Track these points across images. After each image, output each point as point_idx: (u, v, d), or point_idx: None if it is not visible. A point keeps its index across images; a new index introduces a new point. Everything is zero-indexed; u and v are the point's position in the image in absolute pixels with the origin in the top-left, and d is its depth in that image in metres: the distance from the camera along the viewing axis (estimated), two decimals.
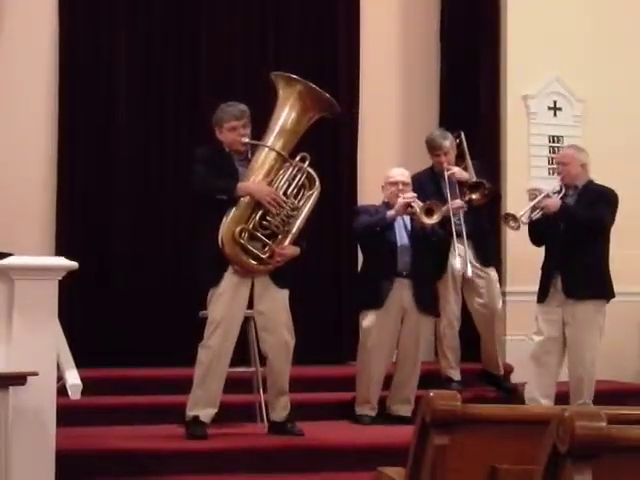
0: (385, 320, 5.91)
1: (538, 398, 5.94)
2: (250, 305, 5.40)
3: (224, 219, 5.27)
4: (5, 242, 5.22)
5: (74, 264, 4.16)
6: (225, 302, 5.29)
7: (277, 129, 5.42)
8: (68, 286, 4.56)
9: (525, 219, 6.03)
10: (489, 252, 6.53)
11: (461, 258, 6.20)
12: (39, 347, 4.09)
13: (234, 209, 5.28)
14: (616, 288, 6.08)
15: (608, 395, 6.35)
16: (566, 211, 5.95)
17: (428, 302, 6.04)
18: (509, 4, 7.33)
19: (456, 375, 6.38)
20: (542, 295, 6.04)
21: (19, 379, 3.95)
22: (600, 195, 6.02)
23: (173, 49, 7.13)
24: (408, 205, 5.88)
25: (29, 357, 4.03)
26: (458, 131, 6.61)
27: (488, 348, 6.50)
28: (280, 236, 5.34)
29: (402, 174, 6.10)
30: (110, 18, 6.99)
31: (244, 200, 5.30)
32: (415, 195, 5.95)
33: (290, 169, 5.39)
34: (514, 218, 6.05)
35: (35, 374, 3.93)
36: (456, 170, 6.35)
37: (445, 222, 6.10)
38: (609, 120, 7.43)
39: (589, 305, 5.92)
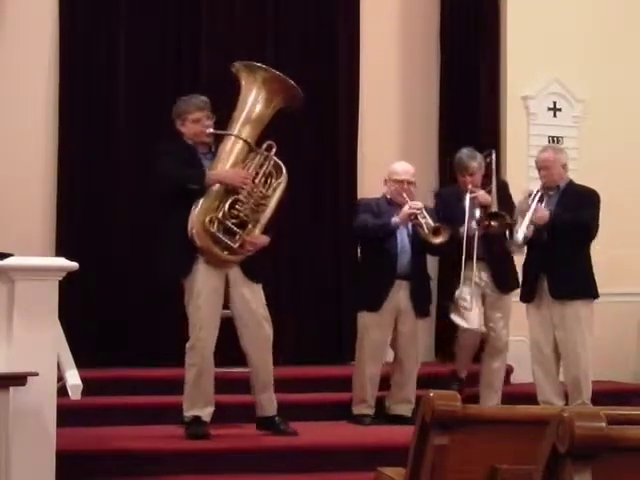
0: (381, 320, 5.93)
1: (551, 399, 5.95)
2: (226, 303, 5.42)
3: (192, 210, 5.25)
4: (5, 242, 5.22)
5: (74, 264, 4.16)
6: (204, 302, 5.29)
7: (242, 118, 5.45)
8: (68, 286, 4.56)
9: (522, 240, 5.93)
10: (509, 277, 6.27)
11: (473, 313, 6.06)
12: (39, 347, 4.08)
13: (202, 199, 5.27)
14: (616, 288, 6.09)
15: (608, 395, 6.37)
16: (555, 220, 5.91)
17: (424, 303, 6.05)
18: (509, 4, 7.34)
19: (463, 373, 6.37)
20: (528, 295, 6.05)
21: (19, 379, 3.94)
22: (583, 197, 6.01)
23: (173, 49, 7.13)
24: (413, 216, 5.85)
25: (29, 357, 4.03)
26: (489, 150, 6.43)
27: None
28: (250, 225, 5.33)
29: (407, 172, 6.03)
30: (110, 18, 6.99)
31: (213, 189, 5.30)
32: (422, 206, 5.89)
33: (257, 157, 5.41)
34: (517, 246, 6.00)
35: (35, 374, 3.93)
36: (480, 194, 6.14)
37: (458, 245, 6.01)
38: (609, 120, 7.43)
39: (577, 304, 5.92)
